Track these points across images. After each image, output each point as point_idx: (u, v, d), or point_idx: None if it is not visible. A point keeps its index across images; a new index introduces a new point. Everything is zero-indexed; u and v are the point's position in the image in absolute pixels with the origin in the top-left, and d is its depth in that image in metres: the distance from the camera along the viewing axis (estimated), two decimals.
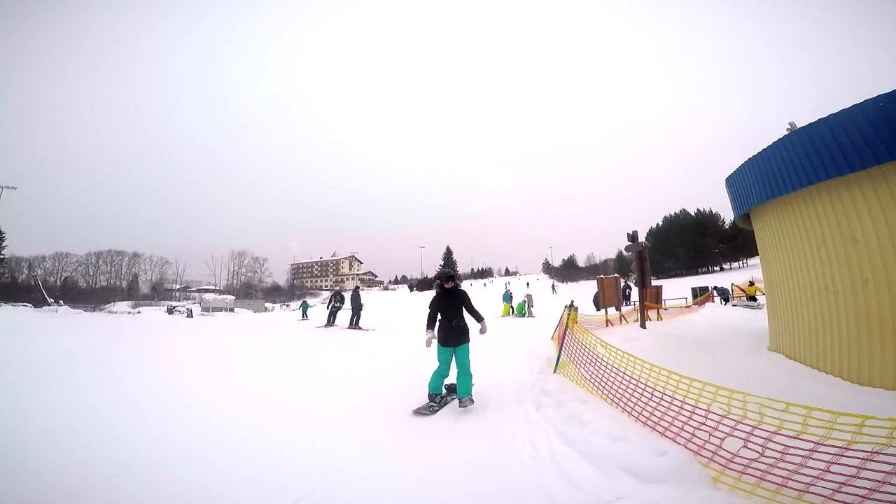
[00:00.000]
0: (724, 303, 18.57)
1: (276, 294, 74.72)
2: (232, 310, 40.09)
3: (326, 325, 14.03)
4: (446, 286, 4.73)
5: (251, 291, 72.63)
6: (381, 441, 3.66)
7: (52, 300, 38.38)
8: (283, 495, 2.76)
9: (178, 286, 71.17)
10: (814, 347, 4.93)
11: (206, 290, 65.81)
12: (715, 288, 20.62)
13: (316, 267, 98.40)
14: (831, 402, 2.56)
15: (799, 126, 4.89)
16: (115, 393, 4.97)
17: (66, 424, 3.89)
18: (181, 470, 3.09)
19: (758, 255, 6.83)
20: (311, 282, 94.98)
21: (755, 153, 5.65)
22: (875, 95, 3.90)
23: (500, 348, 8.07)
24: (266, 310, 45.84)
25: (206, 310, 38.08)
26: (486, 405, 4.56)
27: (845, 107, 4.14)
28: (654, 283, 20.02)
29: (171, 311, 34.14)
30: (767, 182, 5.44)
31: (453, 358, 4.62)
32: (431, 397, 4.61)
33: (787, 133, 5.09)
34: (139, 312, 34.67)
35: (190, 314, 28.51)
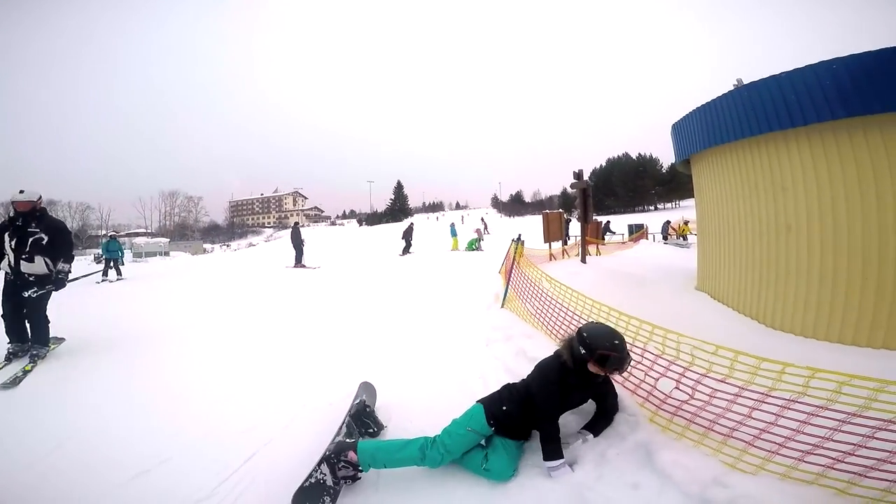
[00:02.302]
0: (664, 239, 20.03)
1: (215, 233, 70.56)
2: (167, 253, 37.42)
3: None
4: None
5: (187, 232, 67.91)
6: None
7: None
8: None
9: (104, 232, 64.88)
10: (736, 288, 5.42)
11: (137, 234, 60.62)
12: (667, 222, 22.54)
13: (257, 204, 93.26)
14: (747, 343, 2.74)
15: (746, 83, 5.06)
16: None
17: None
18: None
19: (691, 197, 7.24)
20: (253, 219, 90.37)
21: (702, 104, 5.81)
22: (829, 58, 4.04)
23: (451, 283, 8.23)
24: (204, 251, 43.31)
25: (138, 255, 35.14)
26: (439, 342, 4.64)
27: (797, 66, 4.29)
28: (599, 218, 21.23)
29: (99, 259, 31.24)
30: (711, 130, 5.66)
31: None
32: None
33: (734, 87, 5.26)
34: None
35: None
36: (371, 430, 2.89)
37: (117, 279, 11.97)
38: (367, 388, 3.32)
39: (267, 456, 2.74)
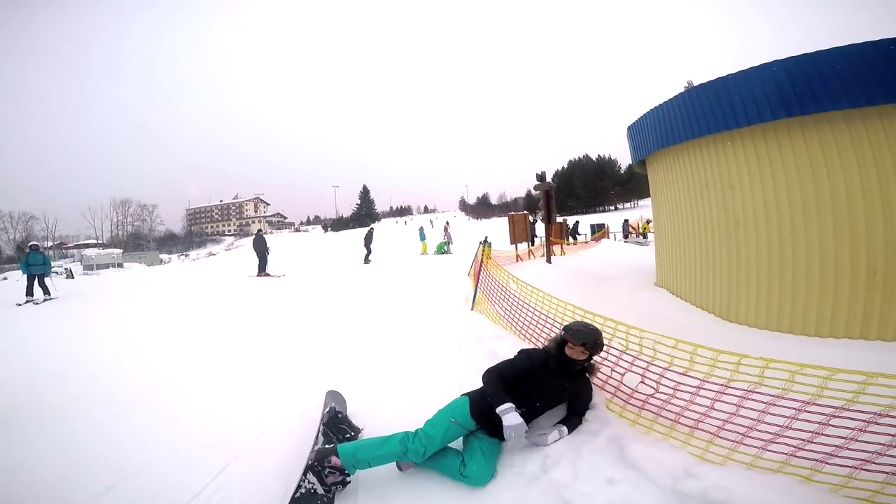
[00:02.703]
0: (625, 238, 20.80)
1: (172, 243, 67.22)
2: (121, 265, 35.17)
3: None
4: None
5: (141, 242, 64.25)
6: None
7: None
8: None
9: (49, 244, 60.17)
10: (692, 284, 5.66)
11: (87, 245, 56.50)
12: (626, 220, 23.76)
13: (216, 211, 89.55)
14: (705, 336, 2.82)
15: (696, 84, 5.30)
16: None
17: None
18: None
19: (649, 196, 7.52)
20: (212, 227, 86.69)
21: (655, 105, 6.03)
22: (770, 61, 4.29)
23: (421, 287, 8.16)
24: (161, 262, 41.08)
25: (88, 268, 32.69)
26: (410, 346, 4.59)
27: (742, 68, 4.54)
28: (566, 219, 21.79)
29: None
30: (664, 132, 5.89)
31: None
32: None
33: (684, 90, 5.49)
34: (5, 279, 28.82)
35: (70, 275, 24.29)
36: (349, 435, 2.80)
37: (45, 299, 9.66)
38: (335, 396, 3.22)
39: (239, 468, 2.63)
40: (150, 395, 3.80)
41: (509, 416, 2.32)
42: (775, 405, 2.02)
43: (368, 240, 15.57)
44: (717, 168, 5.03)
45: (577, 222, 22.36)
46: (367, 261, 14.85)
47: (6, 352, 5.29)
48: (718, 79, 4.78)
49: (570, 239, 18.56)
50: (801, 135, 4.24)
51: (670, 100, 5.62)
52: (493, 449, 2.44)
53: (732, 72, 4.62)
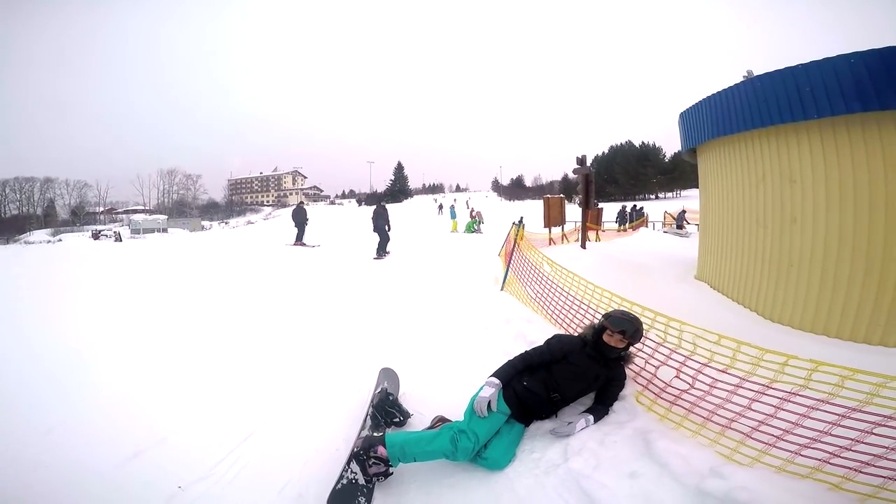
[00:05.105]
0: (678, 228, 19.83)
1: (214, 211, 70.04)
2: (165, 230, 37.28)
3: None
4: None
5: (185, 210, 67.36)
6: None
7: None
8: None
9: (101, 209, 64.16)
10: (736, 279, 5.44)
11: (135, 211, 60.08)
12: (683, 210, 21.83)
13: (256, 182, 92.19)
14: (745, 335, 2.65)
15: (756, 74, 5.02)
16: None
17: None
18: None
19: (692, 187, 7.23)
20: (252, 197, 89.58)
21: (712, 93, 5.76)
22: (848, 52, 3.99)
23: (450, 266, 8.22)
24: (203, 228, 43.15)
25: (136, 232, 35.03)
26: (440, 328, 4.56)
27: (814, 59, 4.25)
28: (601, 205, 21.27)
29: (96, 235, 30.90)
30: (720, 120, 5.62)
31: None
32: None
33: (744, 79, 5.21)
34: (60, 241, 31.13)
35: (118, 238, 25.84)
36: (397, 420, 2.72)
37: None
38: (388, 375, 3.10)
39: (274, 443, 2.67)
40: (189, 358, 3.91)
41: (485, 388, 2.40)
42: (818, 409, 1.95)
43: (380, 219, 10.05)
44: (777, 161, 4.76)
45: (638, 207, 21.82)
46: (382, 252, 9.87)
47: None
48: (787, 68, 4.48)
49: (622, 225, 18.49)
50: (876, 131, 3.92)
51: (730, 88, 5.36)
52: (518, 434, 2.44)
53: (804, 62, 4.33)
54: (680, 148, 7.66)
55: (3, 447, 2.54)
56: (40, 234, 43.52)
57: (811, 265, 4.35)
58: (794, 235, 4.52)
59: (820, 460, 1.91)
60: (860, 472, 1.82)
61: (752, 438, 2.12)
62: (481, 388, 2.43)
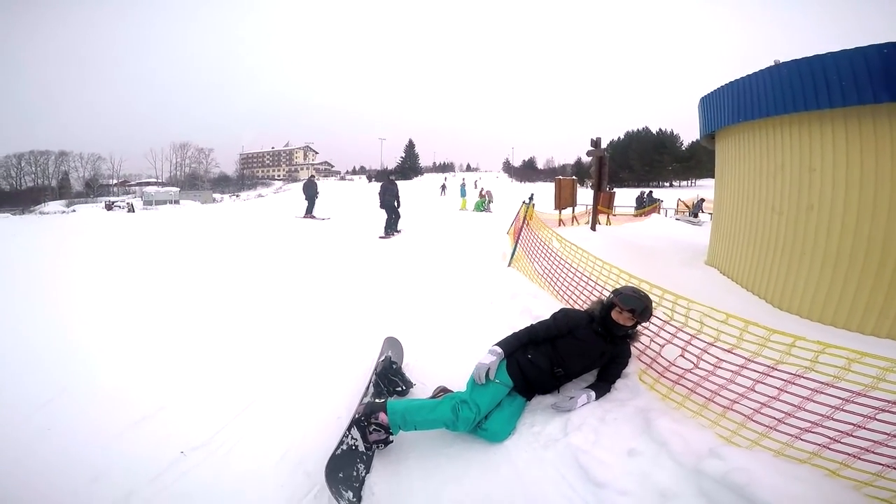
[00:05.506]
0: (693, 217, 19.34)
1: (225, 184, 70.41)
2: (177, 202, 37.63)
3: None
4: None
5: (197, 182, 67.76)
6: None
7: None
8: None
9: (114, 181, 64.95)
10: (747, 266, 5.39)
11: (148, 183, 60.62)
12: (701, 199, 20.97)
13: (267, 157, 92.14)
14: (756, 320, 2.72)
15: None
16: None
17: None
18: None
19: (708, 176, 7.11)
20: (263, 171, 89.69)
21: (735, 79, 5.64)
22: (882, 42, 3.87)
23: (457, 242, 8.22)
24: (214, 200, 43.48)
25: (148, 203, 35.39)
26: (445, 301, 4.59)
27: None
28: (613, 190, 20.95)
29: (109, 206, 31.23)
30: (741, 106, 5.50)
31: None
32: None
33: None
34: (74, 211, 31.61)
35: (131, 209, 26.14)
36: (399, 389, 2.72)
37: None
38: (393, 344, 3.11)
39: (279, 408, 2.72)
40: (199, 325, 3.99)
41: (486, 355, 2.39)
42: (822, 392, 1.94)
43: (388, 195, 9.52)
44: (798, 148, 4.65)
45: (646, 192, 21.43)
46: (391, 230, 9.41)
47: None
48: (815, 56, 4.36)
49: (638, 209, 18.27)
50: None
51: (753, 73, 5.23)
52: (519, 407, 2.43)
53: (833, 50, 4.20)
54: (699, 134, 7.51)
55: (4, 418, 2.59)
56: (55, 205, 44.22)
57: (825, 254, 4.29)
58: (809, 223, 4.45)
59: (820, 445, 1.90)
60: (859, 458, 1.81)
61: (754, 421, 2.12)
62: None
